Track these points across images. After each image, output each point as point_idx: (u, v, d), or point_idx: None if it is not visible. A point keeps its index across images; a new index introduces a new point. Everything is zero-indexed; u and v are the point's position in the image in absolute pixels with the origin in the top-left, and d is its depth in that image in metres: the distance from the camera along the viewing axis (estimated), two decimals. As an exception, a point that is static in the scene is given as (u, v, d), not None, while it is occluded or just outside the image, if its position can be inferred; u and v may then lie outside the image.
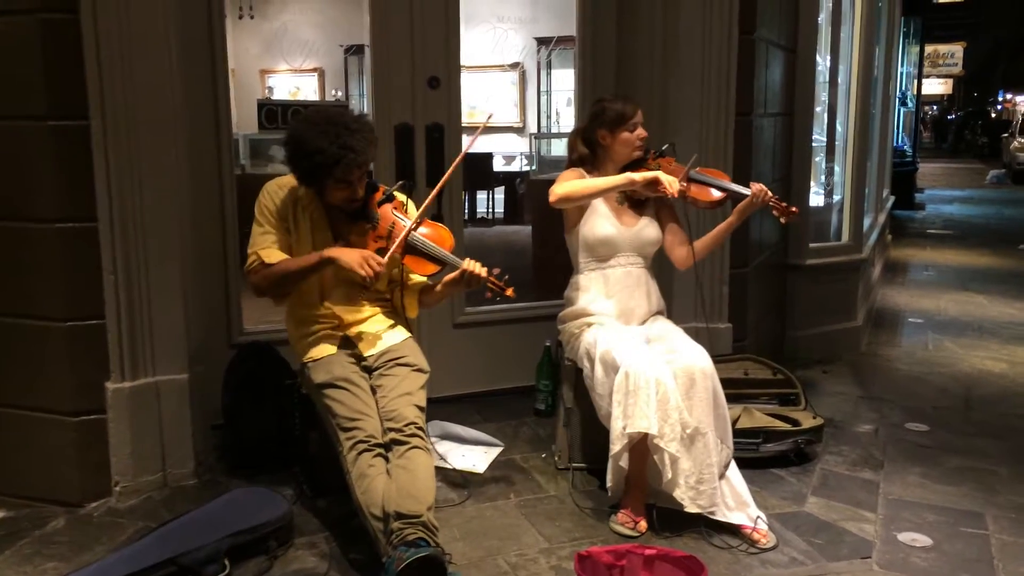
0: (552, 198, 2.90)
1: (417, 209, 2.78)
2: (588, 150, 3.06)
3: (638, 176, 2.86)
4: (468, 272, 2.65)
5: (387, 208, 2.71)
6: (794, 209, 2.95)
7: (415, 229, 2.68)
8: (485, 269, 2.67)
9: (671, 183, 2.82)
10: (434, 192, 2.79)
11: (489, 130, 10.30)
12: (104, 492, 2.91)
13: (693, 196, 3.00)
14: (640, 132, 3.00)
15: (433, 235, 2.72)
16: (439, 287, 2.82)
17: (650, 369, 2.65)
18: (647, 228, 3.03)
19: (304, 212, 2.72)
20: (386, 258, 2.59)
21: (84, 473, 2.89)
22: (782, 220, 2.96)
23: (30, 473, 2.93)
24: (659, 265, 3.19)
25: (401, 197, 2.79)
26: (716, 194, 3.00)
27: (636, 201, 3.07)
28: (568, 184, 2.92)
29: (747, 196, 2.92)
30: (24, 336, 2.86)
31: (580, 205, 3.00)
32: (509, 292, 2.67)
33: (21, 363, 2.89)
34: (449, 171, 2.96)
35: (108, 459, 2.90)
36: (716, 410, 2.75)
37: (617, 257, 3.02)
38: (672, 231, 3.10)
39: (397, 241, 2.63)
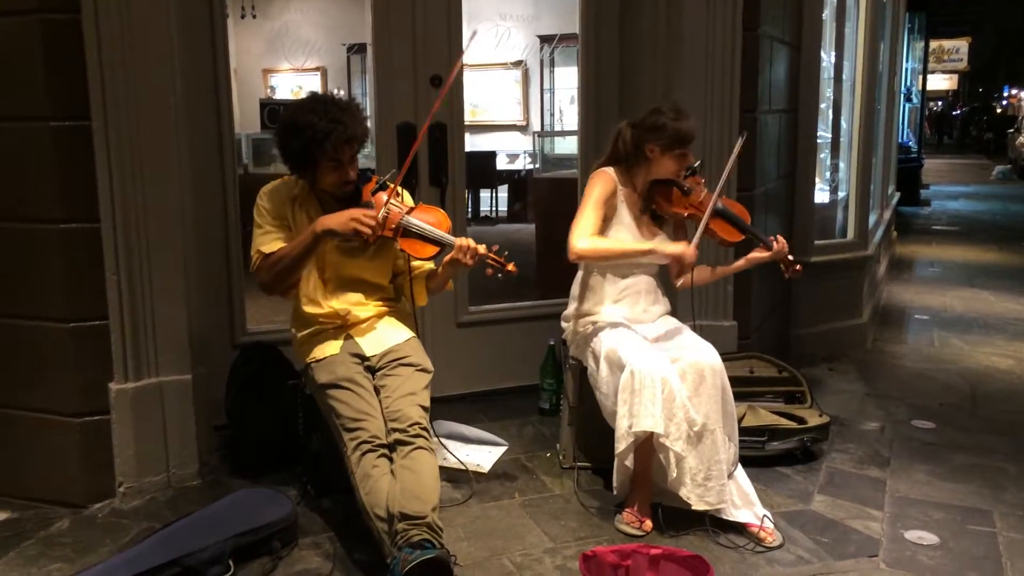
0: (572, 255, 2.81)
1: (412, 198, 2.77)
2: (634, 151, 2.93)
3: (662, 248, 2.80)
4: (465, 247, 2.62)
5: (381, 196, 2.71)
6: (799, 267, 2.93)
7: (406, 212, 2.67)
8: (483, 246, 2.65)
9: (688, 261, 2.77)
10: (409, 157, 2.79)
11: (492, 128, 10.29)
12: (108, 493, 2.91)
13: (713, 230, 2.89)
14: (688, 160, 2.88)
15: (428, 217, 2.71)
16: (440, 269, 2.80)
17: (656, 368, 2.64)
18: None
19: (301, 210, 2.72)
20: (380, 215, 2.57)
21: (88, 474, 2.89)
22: (786, 275, 2.94)
23: (34, 474, 2.93)
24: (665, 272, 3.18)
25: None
26: (737, 234, 2.93)
27: (656, 216, 3.02)
28: (592, 242, 2.80)
29: (762, 240, 2.89)
30: (27, 337, 2.86)
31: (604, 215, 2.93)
32: (510, 267, 2.64)
33: (24, 364, 2.88)
34: (423, 129, 2.97)
35: (112, 460, 2.90)
36: (725, 407, 2.74)
37: (634, 270, 2.98)
38: None
39: (388, 226, 2.61)
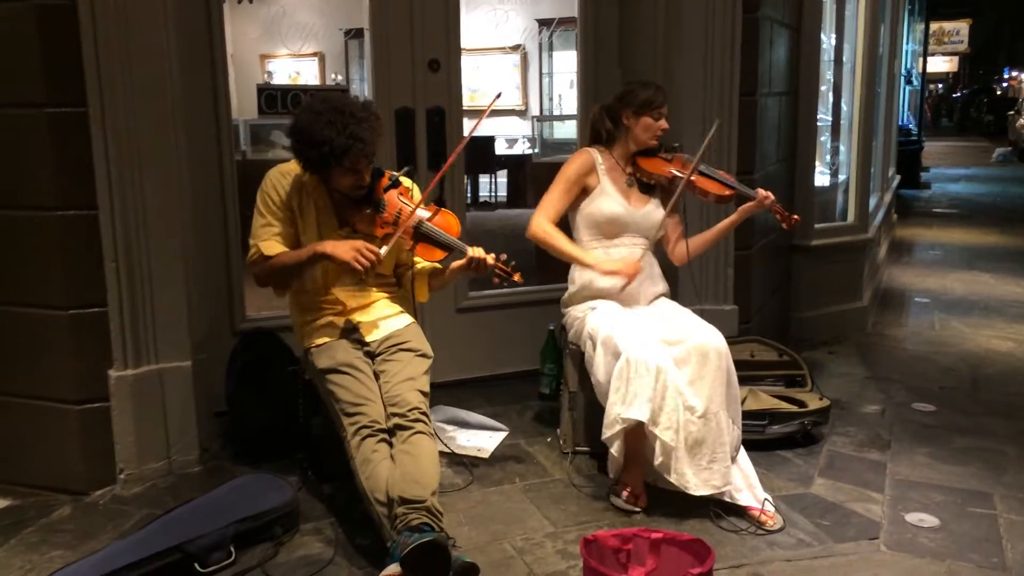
0: (529, 232, 3.02)
1: (421, 194, 2.77)
2: (612, 127, 3.09)
3: (604, 266, 2.93)
4: (475, 259, 2.65)
5: (393, 194, 2.70)
6: (796, 217, 3.00)
7: (421, 216, 2.67)
8: (492, 256, 2.67)
9: (633, 274, 2.88)
10: (436, 177, 2.79)
11: (491, 113, 10.25)
12: (109, 480, 2.91)
13: (703, 188, 3.01)
14: (663, 123, 3.01)
15: (440, 222, 2.71)
16: (447, 273, 2.82)
17: (651, 356, 2.64)
18: (656, 211, 3.03)
19: (309, 199, 2.70)
20: (391, 244, 2.58)
21: (89, 461, 2.89)
22: (784, 226, 3.01)
23: (35, 462, 2.93)
24: (663, 249, 3.19)
25: (406, 183, 2.78)
26: (726, 189, 3.02)
27: (645, 185, 3.07)
28: (547, 231, 2.99)
29: (752, 197, 2.97)
30: (26, 325, 2.85)
31: (583, 192, 3.05)
32: (516, 277, 2.68)
33: (24, 352, 2.88)
34: (453, 155, 2.96)
35: (112, 447, 2.90)
36: (729, 390, 2.75)
37: (622, 237, 3.01)
38: (674, 225, 3.12)
39: (402, 228, 2.62)
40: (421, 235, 2.66)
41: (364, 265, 2.50)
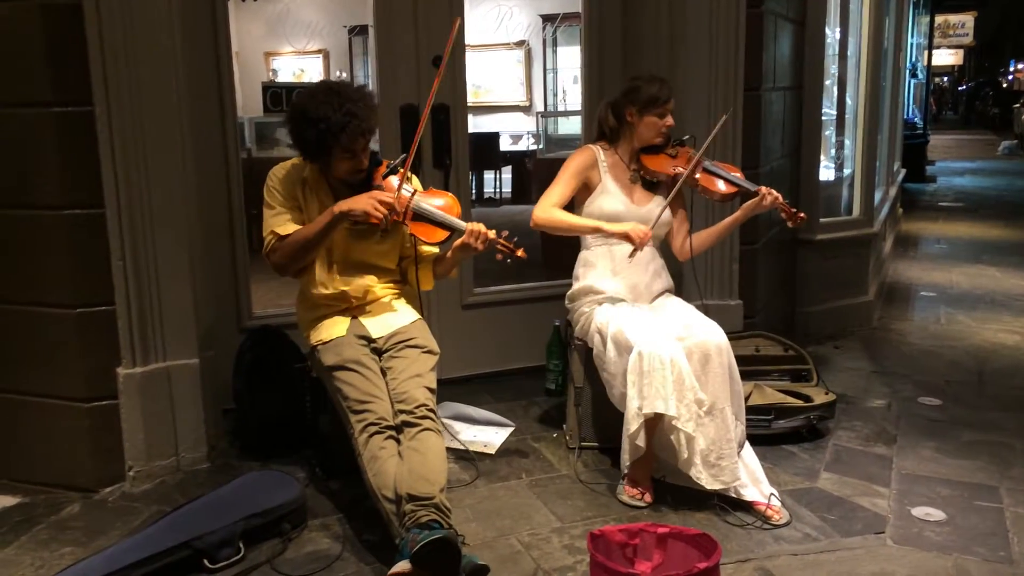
0: (532, 221, 2.99)
1: (420, 182, 2.77)
2: (616, 123, 3.07)
3: (607, 227, 2.90)
4: (475, 232, 2.64)
5: (391, 181, 2.71)
6: (802, 215, 2.96)
7: (418, 196, 2.67)
8: (493, 231, 2.67)
9: (641, 239, 2.83)
10: (414, 143, 2.74)
11: (496, 109, 10.26)
12: (118, 477, 2.93)
13: (706, 186, 3.00)
14: (668, 120, 2.99)
15: (438, 201, 2.72)
16: (449, 253, 2.81)
17: (664, 350, 2.64)
18: (658, 209, 3.01)
19: (311, 193, 2.72)
20: (395, 199, 2.57)
21: (98, 459, 2.90)
22: (789, 224, 2.97)
23: (45, 459, 2.95)
24: (667, 244, 3.19)
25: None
26: (729, 187, 3.00)
27: (649, 182, 3.07)
28: (549, 212, 2.96)
29: (752, 191, 2.95)
30: (35, 324, 2.86)
31: (585, 189, 3.05)
32: (520, 253, 2.67)
33: (33, 351, 2.89)
34: (419, 129, 2.88)
35: (121, 444, 2.91)
36: (732, 386, 2.75)
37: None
38: (679, 220, 3.12)
39: (401, 206, 2.61)
40: (418, 215, 2.66)
41: (383, 212, 2.52)
